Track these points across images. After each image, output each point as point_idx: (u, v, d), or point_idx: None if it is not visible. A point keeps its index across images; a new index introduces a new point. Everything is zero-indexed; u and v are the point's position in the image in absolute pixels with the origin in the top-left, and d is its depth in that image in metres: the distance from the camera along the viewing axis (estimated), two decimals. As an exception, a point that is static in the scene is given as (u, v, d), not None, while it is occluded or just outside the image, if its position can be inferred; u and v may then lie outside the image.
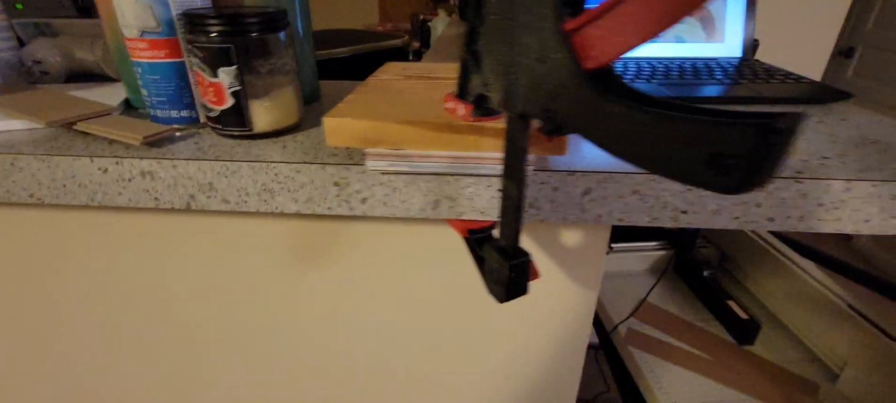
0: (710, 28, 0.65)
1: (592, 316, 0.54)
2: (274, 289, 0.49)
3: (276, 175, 0.36)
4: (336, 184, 0.36)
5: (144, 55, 0.39)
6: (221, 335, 0.53)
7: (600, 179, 0.34)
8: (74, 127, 0.40)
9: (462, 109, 0.31)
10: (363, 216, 0.40)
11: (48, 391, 0.59)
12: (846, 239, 2.51)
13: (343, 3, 3.18)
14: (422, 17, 2.62)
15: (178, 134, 0.41)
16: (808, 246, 0.99)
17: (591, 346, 1.69)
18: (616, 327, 0.94)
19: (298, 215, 0.44)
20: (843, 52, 2.55)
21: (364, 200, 0.36)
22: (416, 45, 2.05)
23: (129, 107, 0.49)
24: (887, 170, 0.34)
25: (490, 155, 0.32)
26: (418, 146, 0.32)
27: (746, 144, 0.16)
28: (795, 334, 0.91)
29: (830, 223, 0.34)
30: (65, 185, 0.38)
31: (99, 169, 0.37)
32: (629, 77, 0.56)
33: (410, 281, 0.49)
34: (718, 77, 0.55)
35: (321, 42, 0.87)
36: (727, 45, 0.65)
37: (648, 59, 0.64)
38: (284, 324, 0.52)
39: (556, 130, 0.24)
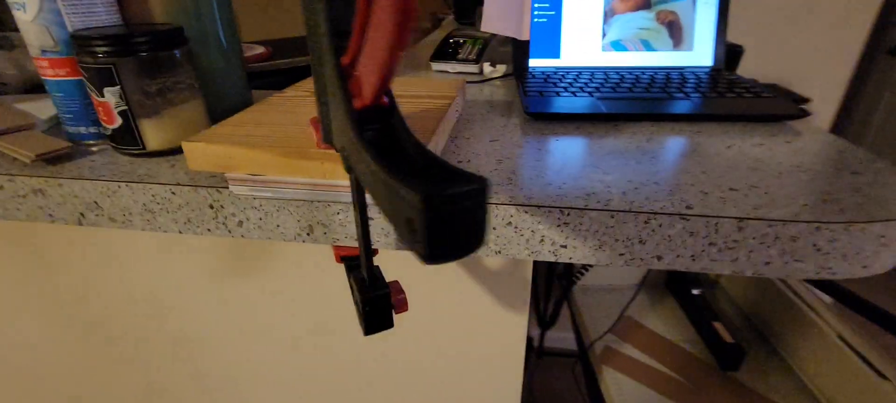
0: (678, 35, 0.60)
1: (523, 341, 0.52)
2: (207, 299, 0.50)
3: (153, 196, 0.36)
4: (211, 206, 0.35)
5: (48, 73, 0.40)
6: (144, 342, 0.54)
7: (470, 210, 0.32)
8: (-14, 142, 0.41)
9: (316, 135, 0.30)
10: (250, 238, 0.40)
11: None
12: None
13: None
14: (439, 16, 2.60)
15: (94, 149, 0.42)
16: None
17: (573, 356, 1.64)
18: (592, 344, 0.90)
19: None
20: (892, 51, 2.35)
21: (240, 223, 0.36)
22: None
23: (59, 122, 0.50)
24: (791, 208, 0.30)
25: (344, 182, 0.31)
26: (274, 172, 0.31)
27: (417, 212, 0.14)
28: (788, 363, 0.85)
29: (726, 264, 0.31)
30: (-29, 199, 0.39)
31: (-4, 185, 0.38)
32: (587, 88, 0.53)
33: (333, 296, 0.48)
34: (675, 91, 0.52)
35: (296, 50, 0.88)
36: (696, 53, 0.61)
37: (616, 69, 0.60)
38: (212, 334, 0.52)
39: (349, 168, 0.23)
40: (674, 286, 1.04)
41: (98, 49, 0.35)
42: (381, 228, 0.33)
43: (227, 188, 0.34)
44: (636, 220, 0.30)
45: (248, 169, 0.32)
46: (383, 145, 0.20)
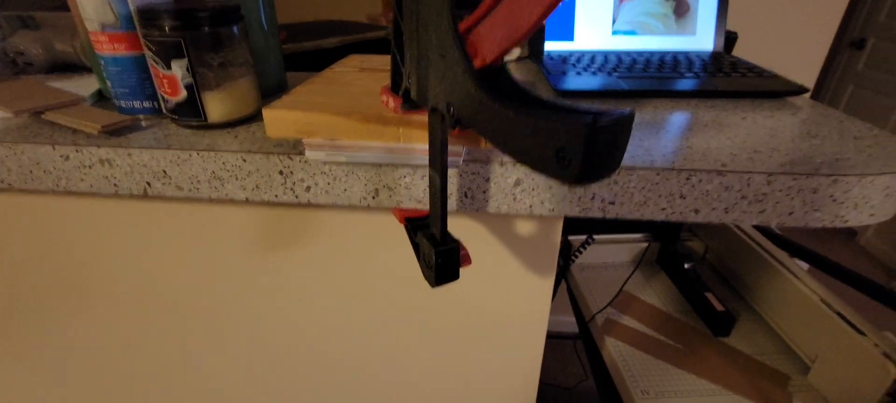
0: (683, 21, 0.65)
1: (549, 303, 0.56)
2: (248, 274, 0.51)
3: (224, 164, 0.38)
4: (281, 172, 0.37)
5: (106, 48, 0.41)
6: (192, 320, 0.55)
7: (529, 171, 0.35)
8: (42, 116, 0.42)
9: (393, 102, 0.33)
10: (317, 204, 0.42)
11: (14, 371, 0.62)
12: (852, 233, 2.48)
13: (347, -8, 3.17)
14: None
15: (144, 123, 0.43)
16: (789, 241, 0.99)
17: (572, 336, 1.71)
18: (594, 316, 0.95)
19: (254, 202, 0.46)
20: (854, 43, 2.50)
21: (308, 188, 0.38)
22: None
23: (101, 97, 0.51)
24: (811, 164, 0.35)
25: (419, 146, 0.34)
26: (352, 136, 0.34)
27: (576, 139, 0.17)
28: (772, 327, 0.92)
29: (754, 215, 0.35)
30: (31, 171, 0.40)
31: (61, 156, 0.39)
32: (604, 68, 0.57)
33: (374, 266, 0.50)
34: (685, 71, 0.56)
35: (308, 33, 0.89)
36: (699, 38, 0.65)
37: (627, 52, 0.64)
38: (256, 309, 0.54)
39: (458, 123, 0.26)
40: (665, 261, 1.10)
41: (167, 24, 0.37)
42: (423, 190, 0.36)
43: (299, 155, 0.36)
44: (679, 177, 0.34)
45: (326, 134, 0.34)
46: (507, 93, 0.23)
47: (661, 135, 0.40)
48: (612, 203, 0.36)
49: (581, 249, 1.02)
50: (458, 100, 0.25)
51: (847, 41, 2.54)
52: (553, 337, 1.70)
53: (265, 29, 0.50)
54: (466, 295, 0.54)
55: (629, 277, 1.05)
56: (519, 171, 0.35)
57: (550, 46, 0.65)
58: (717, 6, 0.64)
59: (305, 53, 0.75)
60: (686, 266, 1.04)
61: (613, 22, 0.65)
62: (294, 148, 0.37)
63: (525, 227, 0.52)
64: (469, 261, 0.36)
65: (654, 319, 0.95)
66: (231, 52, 0.40)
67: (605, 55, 0.63)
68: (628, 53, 0.64)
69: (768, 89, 0.51)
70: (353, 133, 0.34)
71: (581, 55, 0.63)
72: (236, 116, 0.42)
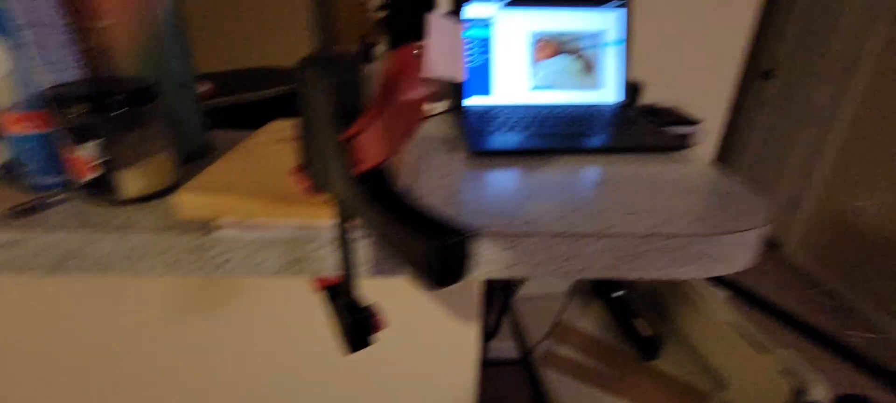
0: (591, 76, 0.71)
1: (476, 351, 0.59)
2: (171, 341, 0.51)
3: (137, 242, 0.38)
4: (195, 249, 0.38)
5: (16, 127, 0.41)
6: (112, 390, 0.54)
7: (435, 240, 0.38)
8: (-58, 196, 0.41)
9: (302, 183, 0.35)
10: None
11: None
12: (775, 246, 2.69)
13: (294, 28, 3.19)
14: (368, 40, 2.66)
15: (59, 198, 0.43)
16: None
17: (513, 363, 1.75)
18: (533, 348, 0.99)
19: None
20: (763, 74, 2.76)
21: (223, 263, 0.39)
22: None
23: (10, 170, 0.50)
24: (681, 222, 0.40)
25: (328, 223, 0.36)
26: (264, 216, 0.36)
27: (428, 256, 0.20)
28: (694, 349, 0.99)
29: (633, 271, 0.40)
30: (-72, 255, 0.39)
31: (-39, 240, 0.38)
32: (519, 124, 0.62)
33: (301, 328, 0.51)
34: (592, 126, 0.62)
35: (244, 83, 0.89)
36: (607, 91, 0.72)
37: (542, 106, 0.70)
38: (179, 377, 0.54)
39: (346, 217, 0.28)
40: (599, 290, 1.17)
41: (78, 106, 0.37)
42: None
43: (213, 231, 0.38)
44: (566, 241, 0.38)
45: (238, 214, 0.35)
46: (385, 197, 0.25)
47: (558, 196, 0.45)
48: (512, 266, 0.40)
49: (521, 281, 1.07)
50: (343, 197, 0.27)
51: (757, 72, 2.81)
52: (498, 364, 1.73)
53: (184, 91, 0.50)
54: (393, 354, 0.55)
55: (563, 310, 1.10)
56: (425, 240, 0.38)
57: (471, 101, 0.70)
58: (620, 62, 0.71)
59: (239, 106, 0.75)
60: (617, 294, 1.10)
61: (530, 77, 0.70)
62: (208, 225, 0.39)
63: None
64: (383, 326, 0.38)
65: (589, 347, 1.00)
66: (146, 129, 0.41)
67: (522, 110, 0.68)
68: (544, 107, 0.69)
69: (658, 144, 0.57)
70: (265, 212, 0.35)
71: (500, 110, 0.68)
72: (152, 191, 0.43)
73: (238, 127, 0.62)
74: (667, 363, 0.95)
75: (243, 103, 0.74)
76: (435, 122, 0.70)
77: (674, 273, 0.40)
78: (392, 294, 0.57)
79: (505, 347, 1.77)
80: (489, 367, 1.72)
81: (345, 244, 0.33)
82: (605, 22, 0.70)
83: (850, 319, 2.07)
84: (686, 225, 0.39)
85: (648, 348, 0.96)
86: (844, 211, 2.18)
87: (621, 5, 0.70)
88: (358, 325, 0.36)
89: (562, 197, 0.45)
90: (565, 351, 0.99)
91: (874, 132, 2.04)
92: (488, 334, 1.40)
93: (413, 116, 0.20)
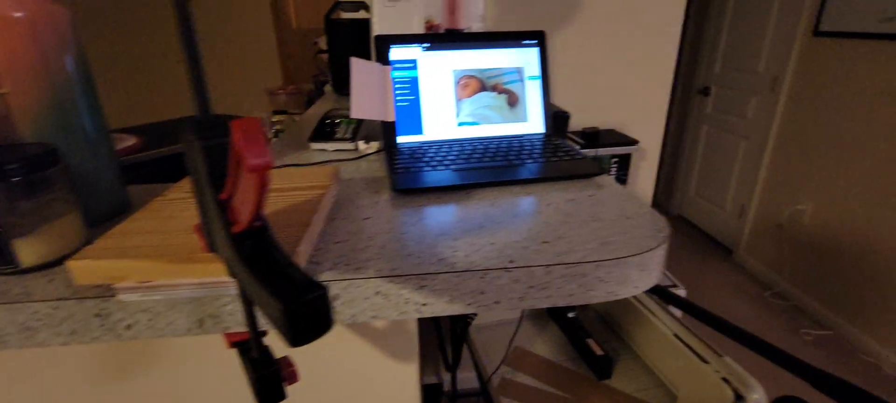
0: (515, 110, 0.75)
1: (416, 388, 0.58)
2: (77, 411, 0.49)
3: (34, 313, 0.37)
4: (97, 315, 0.37)
5: None
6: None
7: (344, 286, 0.39)
8: None
9: (201, 241, 0.35)
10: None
11: None
12: (728, 252, 2.80)
13: (248, 66, 3.19)
14: (321, 79, 2.69)
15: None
16: (661, 289, 1.12)
17: (480, 394, 1.74)
18: (490, 377, 0.99)
19: (88, 338, 0.45)
20: (701, 91, 2.94)
21: (129, 327, 0.38)
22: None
23: None
24: (584, 250, 0.41)
25: (231, 280, 0.36)
26: (165, 277, 0.35)
27: (283, 314, 0.21)
28: (646, 363, 1.01)
29: (543, 300, 0.41)
30: None
31: None
32: (447, 159, 0.63)
33: (218, 385, 0.50)
34: (515, 158, 0.64)
35: (174, 134, 0.88)
36: (531, 123, 0.75)
37: (470, 140, 0.72)
38: (97, 444, 0.51)
39: (232, 274, 0.28)
40: (553, 311, 1.18)
41: (-35, 178, 0.36)
42: (268, 312, 0.38)
43: (114, 296, 0.37)
44: (475, 276, 0.40)
45: (137, 278, 0.35)
46: (258, 256, 0.26)
47: (473, 231, 0.46)
48: (425, 304, 0.40)
49: (470, 316, 1.07)
50: (226, 256, 0.28)
51: (696, 89, 2.98)
52: (470, 395, 1.71)
53: (95, 148, 0.50)
54: (331, 398, 0.55)
55: (514, 334, 1.11)
56: (335, 288, 0.39)
57: (403, 140, 0.71)
58: (542, 97, 0.75)
59: (168, 158, 0.74)
60: (570, 315, 1.12)
61: (457, 114, 0.72)
62: (109, 290, 0.38)
63: (380, 326, 0.55)
64: (296, 379, 0.38)
65: (545, 371, 1.01)
66: (46, 195, 0.40)
67: (450, 145, 0.70)
68: (471, 141, 0.71)
69: (576, 173, 0.60)
70: (166, 274, 0.35)
71: (429, 146, 0.70)
72: (54, 257, 0.41)
73: (169, 180, 0.61)
74: (621, 380, 0.97)
75: (172, 155, 0.73)
76: (367, 163, 0.71)
77: (583, 298, 0.41)
78: (329, 336, 0.57)
79: (470, 378, 1.75)
80: (459, 399, 1.70)
81: (246, 299, 0.33)
82: (523, 59, 0.74)
83: (802, 318, 2.17)
84: (589, 252, 0.41)
85: (602, 367, 0.98)
86: (784, 216, 2.31)
87: (536, 44, 0.74)
88: (266, 380, 0.35)
89: (476, 232, 0.46)
90: (521, 378, 0.99)
91: (798, 141, 2.19)
92: (450, 366, 1.38)
93: (259, 183, 0.21)
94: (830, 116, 2.04)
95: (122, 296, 0.36)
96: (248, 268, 0.24)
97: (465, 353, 1.25)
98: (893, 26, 1.75)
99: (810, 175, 2.15)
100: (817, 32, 2.08)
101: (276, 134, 2.01)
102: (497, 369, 1.01)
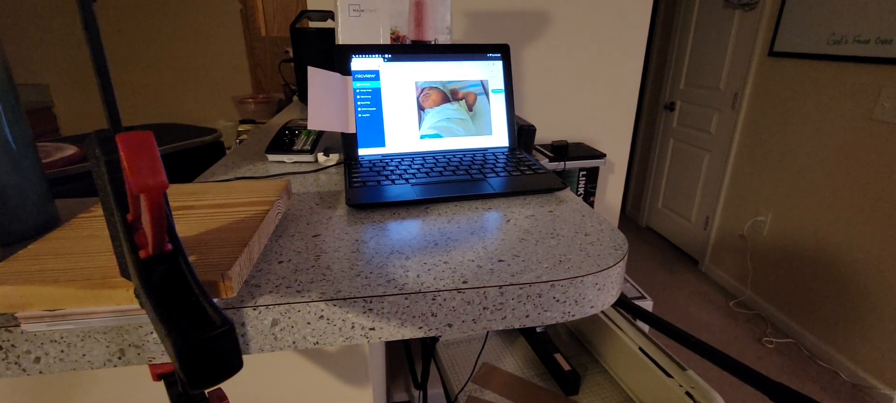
0: (479, 123, 0.73)
1: (370, 414, 0.55)
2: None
3: (-77, 347, 0.33)
4: (1, 347, 0.33)
5: None
6: None
7: (284, 310, 0.36)
8: None
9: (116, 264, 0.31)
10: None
11: None
12: (694, 262, 2.87)
13: (217, 75, 3.10)
14: (292, 88, 2.64)
15: None
16: (629, 303, 1.12)
17: None
18: (456, 396, 0.97)
19: None
20: (667, 107, 3.02)
21: (37, 360, 0.34)
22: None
23: None
24: (536, 270, 0.40)
25: (153, 306, 0.33)
26: (76, 304, 0.32)
27: (177, 354, 0.18)
28: (613, 378, 1.01)
29: (498, 322, 0.39)
30: None
31: None
32: (407, 173, 0.61)
33: (155, 415, 0.46)
34: (477, 171, 0.62)
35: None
36: (495, 136, 0.74)
37: (432, 153, 0.70)
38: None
39: (141, 304, 0.25)
40: (522, 328, 1.17)
41: None
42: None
43: (17, 326, 0.33)
44: (425, 298, 0.37)
45: (44, 305, 0.31)
46: (167, 285, 0.23)
47: (427, 250, 0.44)
48: (372, 329, 0.38)
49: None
50: (135, 284, 0.25)
51: (662, 104, 3.06)
52: (441, 414, 1.67)
53: (15, 158, 0.45)
54: (276, 423, 0.51)
55: (481, 350, 1.09)
56: (274, 313, 0.36)
57: (364, 152, 0.69)
58: (506, 111, 0.74)
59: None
60: (538, 329, 1.11)
61: (419, 126, 0.71)
62: (12, 320, 0.34)
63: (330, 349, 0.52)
64: (227, 411, 0.35)
65: (512, 388, 0.99)
66: (-54, 213, 0.36)
67: (412, 158, 0.68)
68: (434, 154, 0.70)
69: (538, 187, 0.58)
70: (76, 301, 0.31)
71: (391, 159, 0.67)
72: (-44, 282, 0.37)
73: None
74: (589, 395, 0.96)
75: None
76: (326, 175, 0.68)
77: (538, 319, 0.40)
78: (278, 360, 0.53)
79: (441, 394, 1.72)
80: (428, 416, 1.66)
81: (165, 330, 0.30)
82: (487, 72, 0.73)
83: (765, 326, 2.23)
84: (544, 272, 0.40)
85: (569, 383, 0.96)
86: (746, 227, 2.38)
87: (500, 58, 0.73)
88: (192, 416, 0.32)
89: (430, 250, 0.44)
90: (489, 395, 0.97)
91: (757, 154, 2.27)
92: (419, 383, 1.35)
93: (153, 204, 0.18)
94: (785, 131, 2.12)
95: (24, 326, 0.32)
96: (151, 299, 0.21)
97: (435, 369, 1.22)
98: (841, 48, 1.84)
99: (769, 187, 2.23)
100: (772, 53, 2.17)
101: (241, 143, 1.95)
102: (464, 386, 0.99)
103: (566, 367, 0.98)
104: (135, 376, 0.51)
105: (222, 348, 0.18)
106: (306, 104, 1.31)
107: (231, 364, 0.19)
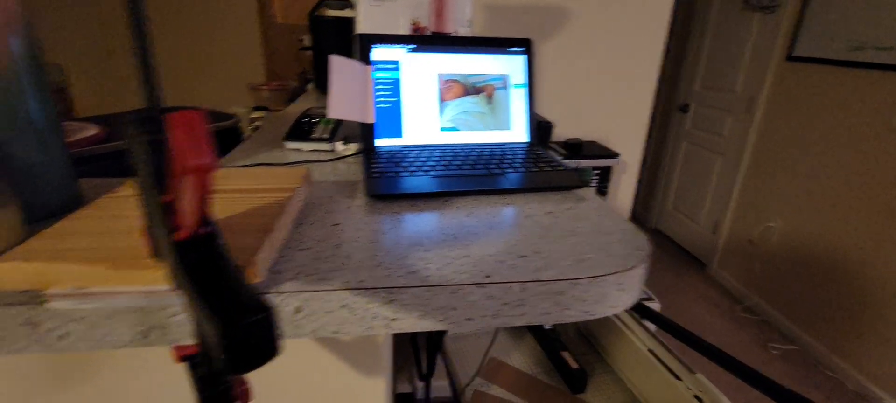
0: (499, 118, 0.73)
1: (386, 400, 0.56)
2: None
3: (-48, 319, 0.33)
4: (26, 323, 0.34)
5: None
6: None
7: (307, 298, 0.36)
8: None
9: (147, 245, 0.32)
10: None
11: None
12: (702, 266, 2.85)
13: (231, 63, 3.10)
14: (307, 77, 2.64)
15: None
16: (638, 304, 1.11)
17: None
18: (463, 390, 0.97)
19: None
20: (681, 108, 2.99)
21: (61, 337, 0.34)
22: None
23: None
24: (557, 268, 0.40)
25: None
26: (103, 283, 0.32)
27: (219, 337, 0.18)
28: (620, 378, 1.01)
29: (518, 318, 0.39)
30: None
31: None
32: (426, 165, 0.61)
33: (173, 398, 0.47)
34: (496, 166, 0.62)
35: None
36: (514, 131, 0.74)
37: (451, 146, 0.70)
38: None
39: (177, 285, 0.26)
40: (531, 325, 1.17)
41: None
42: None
43: (44, 302, 0.33)
44: (446, 291, 0.37)
45: (72, 283, 0.32)
46: (203, 267, 0.23)
47: (447, 242, 0.44)
48: (394, 319, 0.38)
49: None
50: (170, 263, 0.25)
51: (676, 106, 3.03)
52: (445, 405, 1.68)
53: (42, 137, 0.46)
54: (290, 409, 0.51)
55: (490, 346, 1.09)
56: (297, 300, 0.36)
57: (382, 143, 0.69)
58: (527, 106, 0.73)
59: (119, 153, 0.70)
60: (546, 327, 1.11)
61: (439, 118, 0.70)
62: (38, 296, 0.34)
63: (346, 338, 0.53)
64: (248, 399, 0.35)
65: (519, 383, 0.99)
66: (-24, 187, 0.36)
67: (431, 150, 0.67)
68: (452, 147, 0.69)
69: (557, 184, 0.58)
70: (103, 280, 0.32)
71: (409, 151, 0.67)
72: (-16, 257, 0.37)
73: (133, 174, 0.57)
74: (595, 394, 0.96)
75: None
76: (345, 165, 0.68)
77: (558, 317, 0.40)
78: (294, 349, 0.54)
79: (445, 386, 1.73)
80: (431, 408, 1.67)
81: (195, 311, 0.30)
82: (509, 66, 0.72)
83: (771, 332, 2.21)
84: (565, 270, 0.40)
85: (576, 381, 0.96)
86: (755, 232, 2.36)
87: (523, 52, 0.72)
88: (215, 401, 0.32)
89: (451, 243, 0.44)
90: (495, 390, 0.97)
91: (769, 160, 2.25)
92: (424, 375, 1.36)
93: (200, 186, 0.18)
94: (799, 138, 2.09)
95: (52, 304, 0.32)
96: (189, 280, 0.21)
97: (441, 362, 1.22)
98: (861, 55, 1.81)
99: (781, 193, 2.20)
100: (791, 57, 2.13)
101: (255, 130, 1.95)
102: (471, 380, 0.99)
103: (574, 365, 0.98)
104: (141, 361, 0.51)
105: (264, 332, 0.18)
106: (323, 92, 1.31)
107: (270, 348, 0.19)
